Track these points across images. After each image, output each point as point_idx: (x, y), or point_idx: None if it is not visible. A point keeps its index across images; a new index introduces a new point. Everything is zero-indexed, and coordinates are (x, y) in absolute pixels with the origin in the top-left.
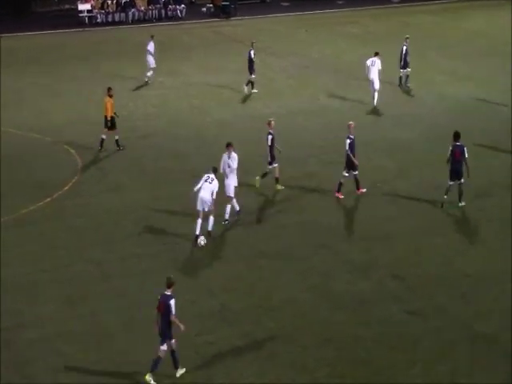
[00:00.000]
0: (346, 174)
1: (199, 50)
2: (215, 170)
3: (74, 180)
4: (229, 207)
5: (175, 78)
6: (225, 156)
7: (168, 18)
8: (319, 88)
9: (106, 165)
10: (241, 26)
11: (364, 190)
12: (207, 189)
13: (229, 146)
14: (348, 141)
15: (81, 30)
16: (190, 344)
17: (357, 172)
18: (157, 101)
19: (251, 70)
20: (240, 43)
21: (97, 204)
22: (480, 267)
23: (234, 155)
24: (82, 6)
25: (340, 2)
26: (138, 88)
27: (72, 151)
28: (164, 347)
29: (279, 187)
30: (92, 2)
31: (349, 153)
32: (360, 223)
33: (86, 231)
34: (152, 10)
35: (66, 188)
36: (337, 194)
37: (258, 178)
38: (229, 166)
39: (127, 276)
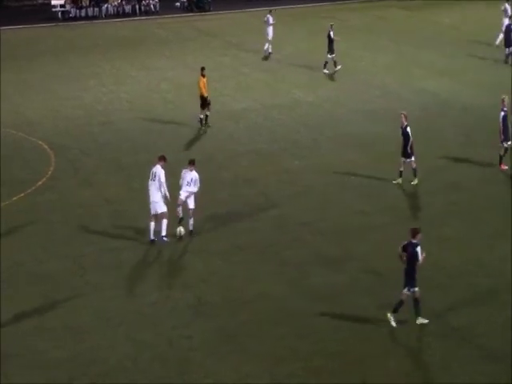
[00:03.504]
0: (510, 143)
1: (173, 44)
2: (191, 162)
3: (47, 175)
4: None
5: (149, 72)
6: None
7: (142, 13)
8: (293, 83)
9: (79, 159)
10: (215, 20)
11: (506, 167)
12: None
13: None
14: (502, 113)
15: (54, 24)
16: (166, 337)
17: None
18: (130, 96)
19: (331, 50)
20: (214, 38)
21: (71, 198)
22: (454, 260)
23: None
24: (55, 1)
25: None
26: (112, 83)
27: (45, 147)
28: (406, 291)
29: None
30: None
31: (501, 125)
32: (333, 217)
33: (61, 226)
34: (126, 4)
35: (40, 183)
36: (502, 167)
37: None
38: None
39: (104, 270)
